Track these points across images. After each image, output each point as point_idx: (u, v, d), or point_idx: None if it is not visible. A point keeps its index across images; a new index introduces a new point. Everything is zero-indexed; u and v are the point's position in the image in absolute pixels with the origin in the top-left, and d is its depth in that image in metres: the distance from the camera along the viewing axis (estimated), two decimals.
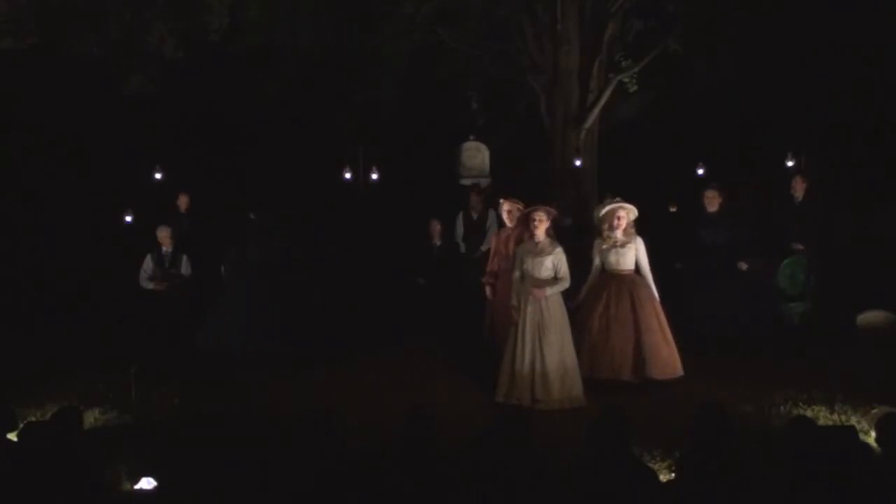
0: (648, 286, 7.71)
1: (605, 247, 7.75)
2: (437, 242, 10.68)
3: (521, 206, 8.21)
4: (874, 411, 6.41)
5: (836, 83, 13.29)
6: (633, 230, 7.74)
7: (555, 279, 7.28)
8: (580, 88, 11.78)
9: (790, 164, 12.07)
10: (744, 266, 8.81)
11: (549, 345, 7.16)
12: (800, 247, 9.58)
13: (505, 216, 8.47)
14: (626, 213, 7.71)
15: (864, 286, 9.57)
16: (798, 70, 13.35)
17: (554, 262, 7.27)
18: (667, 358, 7.54)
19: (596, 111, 11.84)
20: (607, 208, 7.83)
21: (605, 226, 7.77)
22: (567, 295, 7.49)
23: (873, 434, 5.21)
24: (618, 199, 7.94)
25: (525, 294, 7.25)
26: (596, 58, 11.71)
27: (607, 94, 11.92)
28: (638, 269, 7.75)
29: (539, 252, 7.29)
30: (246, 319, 8.61)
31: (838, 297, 9.41)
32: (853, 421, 6.59)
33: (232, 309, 8.73)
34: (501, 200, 8.55)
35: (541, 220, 7.34)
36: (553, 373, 7.14)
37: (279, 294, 8.85)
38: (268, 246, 9.02)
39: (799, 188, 9.81)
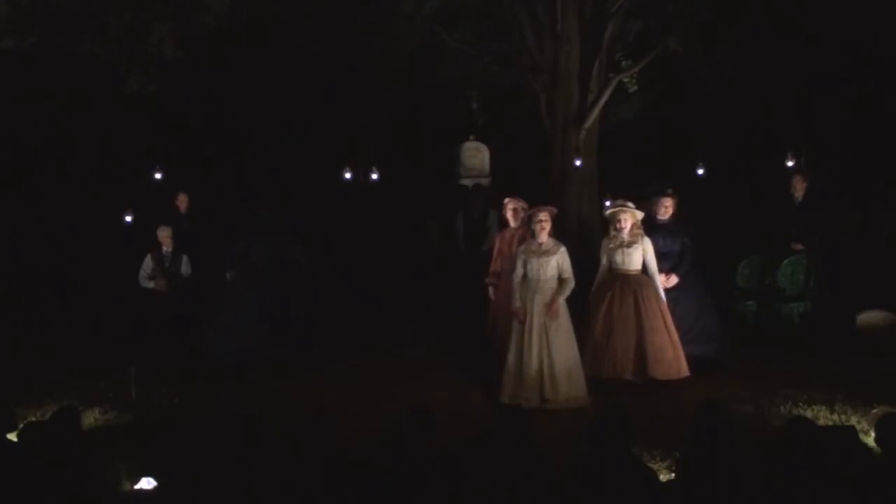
0: (655, 286, 7.72)
1: (611, 246, 7.78)
2: (435, 243, 10.66)
3: (525, 206, 8.21)
4: (874, 411, 6.41)
5: (836, 83, 13.29)
6: (640, 230, 7.76)
7: (559, 280, 7.30)
8: (580, 88, 11.77)
9: (790, 164, 12.07)
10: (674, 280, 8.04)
11: (556, 345, 7.18)
12: (800, 247, 9.58)
13: (510, 215, 8.44)
14: (629, 215, 7.72)
15: (864, 286, 9.57)
16: (798, 69, 13.35)
17: (559, 261, 7.30)
18: (671, 359, 7.53)
19: (596, 111, 11.83)
20: (610, 211, 7.86)
21: (612, 226, 7.79)
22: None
23: (873, 434, 5.21)
24: (619, 200, 7.94)
25: (530, 295, 7.25)
26: (596, 58, 11.69)
27: (607, 94, 11.90)
28: (645, 269, 7.76)
29: (544, 252, 7.31)
30: (259, 322, 8.54)
31: (838, 297, 9.41)
32: (853, 421, 6.60)
33: (244, 312, 8.64)
34: (506, 200, 8.54)
35: (546, 221, 7.36)
36: (560, 372, 7.16)
37: (286, 294, 8.84)
38: (273, 245, 8.97)
39: (799, 188, 9.80)
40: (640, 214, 7.78)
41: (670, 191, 8.46)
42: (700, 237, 8.49)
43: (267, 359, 8.30)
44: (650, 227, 8.02)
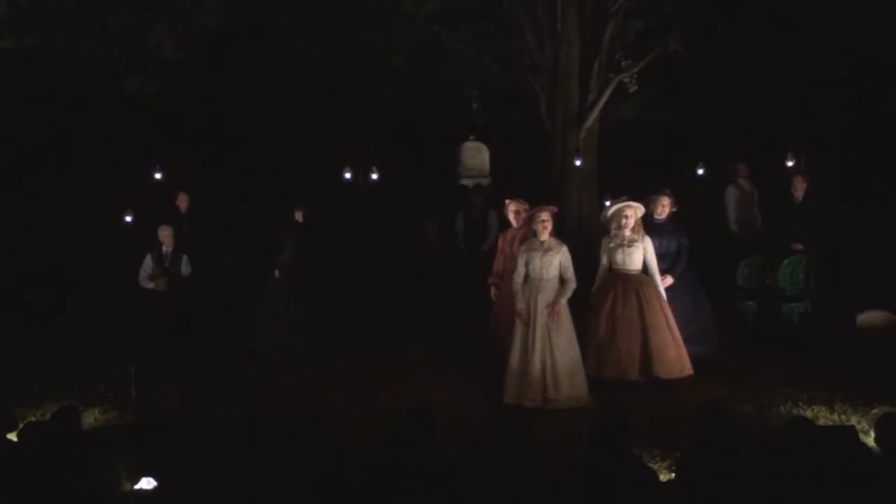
0: (656, 286, 7.72)
1: (612, 245, 7.78)
2: (435, 243, 10.65)
3: (526, 207, 8.20)
4: (874, 411, 6.41)
5: (836, 83, 13.29)
6: (640, 230, 7.76)
7: (561, 280, 7.31)
8: (580, 88, 11.76)
9: (790, 164, 12.07)
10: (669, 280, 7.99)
11: (558, 344, 7.20)
12: (800, 247, 9.58)
13: (511, 216, 8.44)
14: (634, 211, 7.72)
15: (864, 286, 9.57)
16: (798, 69, 13.35)
17: (561, 260, 7.31)
18: (674, 357, 7.54)
19: (596, 111, 11.82)
20: (614, 208, 7.83)
21: (613, 225, 7.78)
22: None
23: (873, 434, 5.21)
24: (623, 197, 7.93)
25: (533, 294, 7.26)
26: (596, 58, 11.69)
27: (607, 94, 11.89)
28: (646, 268, 7.75)
29: (546, 251, 7.32)
30: (297, 321, 8.62)
31: (838, 297, 9.42)
32: (853, 421, 6.60)
33: (284, 311, 8.70)
34: (507, 201, 8.53)
35: (547, 221, 7.37)
36: (562, 372, 7.17)
37: (320, 295, 8.91)
38: (311, 246, 8.98)
39: (799, 188, 9.81)
40: (642, 212, 7.79)
41: (667, 190, 8.44)
42: (700, 237, 8.49)
43: (299, 357, 8.36)
44: (646, 226, 8.02)
